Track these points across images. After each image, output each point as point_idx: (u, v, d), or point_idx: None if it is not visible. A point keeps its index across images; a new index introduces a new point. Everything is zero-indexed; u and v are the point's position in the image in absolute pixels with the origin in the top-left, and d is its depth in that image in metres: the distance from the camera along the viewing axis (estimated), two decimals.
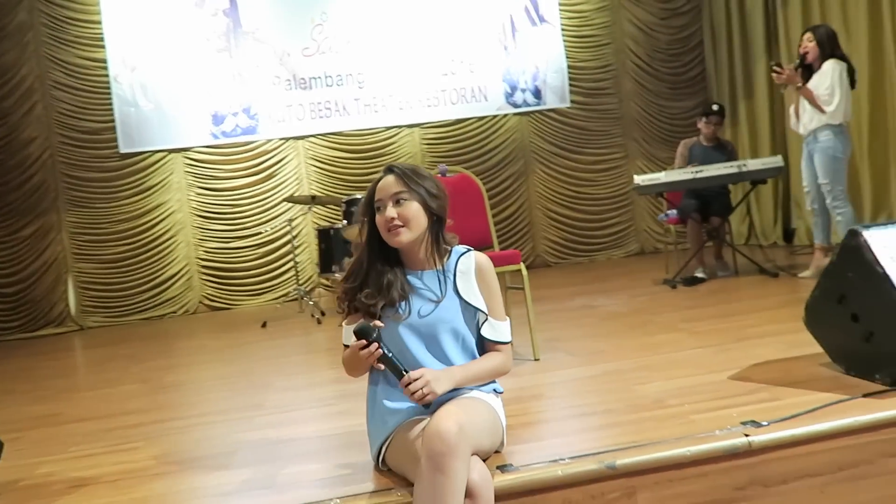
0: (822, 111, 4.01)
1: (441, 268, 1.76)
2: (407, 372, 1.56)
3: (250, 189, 7.11)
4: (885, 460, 1.72)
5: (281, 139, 7.16)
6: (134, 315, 6.85)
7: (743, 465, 1.69)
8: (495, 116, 7.53)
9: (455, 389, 1.66)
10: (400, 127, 7.38)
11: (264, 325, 5.22)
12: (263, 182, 7.13)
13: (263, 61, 7.07)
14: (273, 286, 7.09)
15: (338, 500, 1.59)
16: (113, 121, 6.85)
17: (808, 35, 4.18)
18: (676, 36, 7.87)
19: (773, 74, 4.15)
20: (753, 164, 4.56)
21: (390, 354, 1.57)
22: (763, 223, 7.07)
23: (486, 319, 1.76)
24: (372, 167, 7.28)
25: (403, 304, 1.67)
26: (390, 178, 1.71)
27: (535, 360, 2.91)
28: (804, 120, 4.19)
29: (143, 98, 6.90)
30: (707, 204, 5.03)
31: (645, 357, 2.71)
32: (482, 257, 1.83)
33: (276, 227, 7.06)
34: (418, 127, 7.42)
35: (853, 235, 2.00)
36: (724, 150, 5.14)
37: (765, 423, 1.75)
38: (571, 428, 2.00)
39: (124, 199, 6.90)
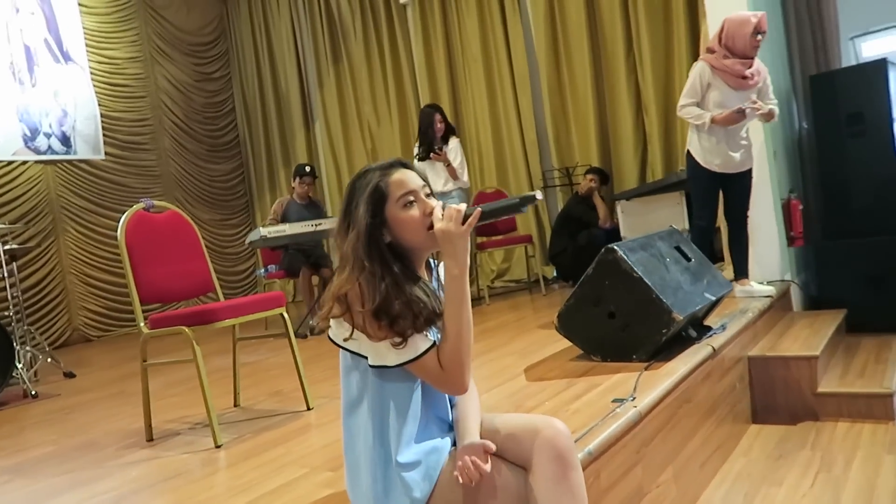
0: (457, 179, 4.78)
1: (435, 277, 1.60)
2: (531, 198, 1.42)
3: None
4: (688, 404, 2.37)
5: None
6: None
7: (635, 434, 2.06)
8: (11, 162, 6.14)
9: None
10: None
11: None
12: None
13: None
14: None
15: None
16: None
17: (439, 116, 4.89)
18: (211, 100, 7.95)
19: (432, 155, 4.73)
20: None
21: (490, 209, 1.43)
22: None
23: None
24: None
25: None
26: (410, 172, 1.49)
27: (310, 409, 2.66)
28: (438, 185, 4.81)
29: None
30: (308, 257, 5.28)
31: None
32: None
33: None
34: None
35: (609, 252, 2.64)
36: (316, 207, 5.51)
37: (629, 398, 2.16)
38: None
39: None
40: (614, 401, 2.15)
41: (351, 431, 1.51)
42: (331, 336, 1.47)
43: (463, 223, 1.39)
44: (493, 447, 1.37)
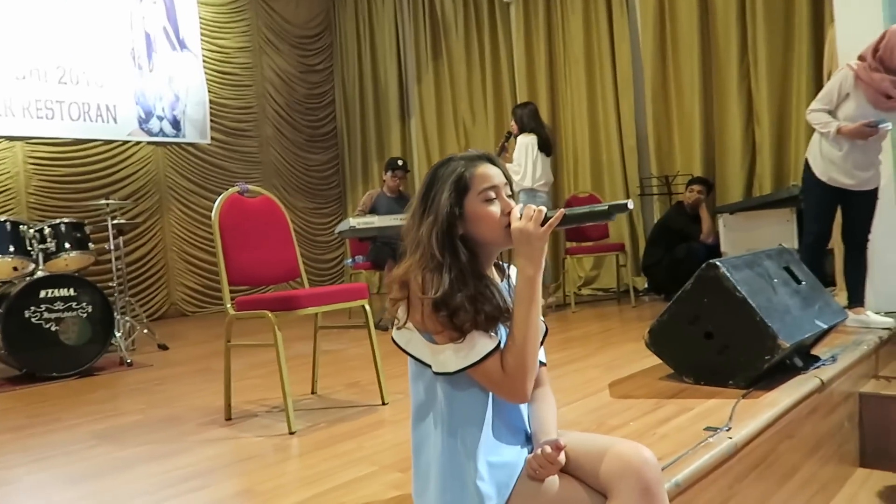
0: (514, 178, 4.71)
1: (507, 278, 1.51)
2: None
3: None
4: (789, 440, 2.17)
5: None
6: None
7: (728, 467, 1.89)
8: (126, 143, 6.49)
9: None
10: None
11: None
12: None
13: None
14: None
15: None
16: None
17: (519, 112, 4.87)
18: (312, 91, 8.14)
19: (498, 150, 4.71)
20: None
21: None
22: None
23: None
24: None
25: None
26: (494, 167, 1.42)
27: (385, 404, 2.63)
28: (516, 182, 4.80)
29: None
30: (395, 250, 5.29)
31: None
32: None
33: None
34: (22, 141, 5.87)
35: (711, 268, 2.46)
36: (406, 201, 5.51)
37: (724, 427, 2.00)
38: None
39: None
40: (707, 429, 1.99)
41: (420, 438, 1.46)
42: (394, 338, 1.41)
43: (542, 224, 1.32)
44: (564, 443, 1.31)
